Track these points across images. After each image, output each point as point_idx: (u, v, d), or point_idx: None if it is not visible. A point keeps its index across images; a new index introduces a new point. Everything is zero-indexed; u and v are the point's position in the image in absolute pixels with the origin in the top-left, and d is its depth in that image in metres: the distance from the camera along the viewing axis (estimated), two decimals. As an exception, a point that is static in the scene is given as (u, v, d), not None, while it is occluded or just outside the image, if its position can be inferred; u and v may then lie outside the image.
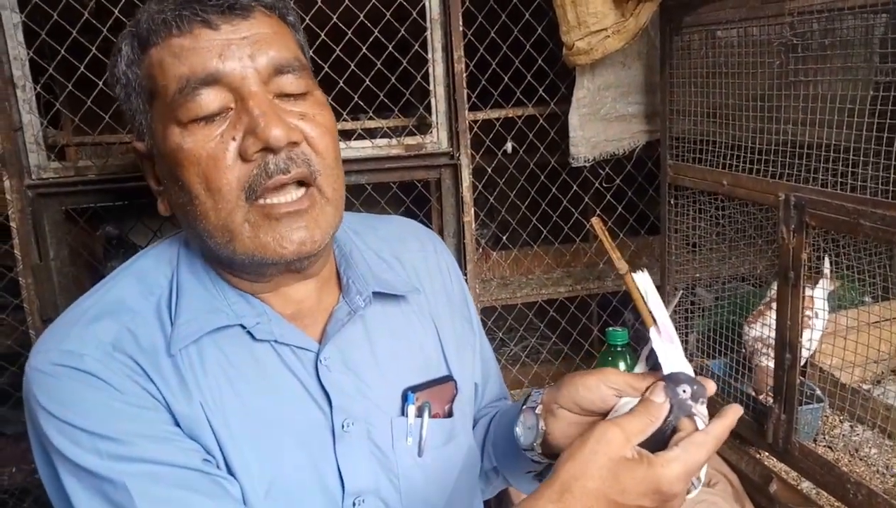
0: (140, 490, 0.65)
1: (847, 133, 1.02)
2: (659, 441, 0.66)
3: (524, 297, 1.74)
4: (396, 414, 0.81)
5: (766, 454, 1.35)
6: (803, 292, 1.12)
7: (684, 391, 0.67)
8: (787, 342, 1.16)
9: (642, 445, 0.65)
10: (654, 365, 0.75)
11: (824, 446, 1.34)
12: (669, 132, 1.43)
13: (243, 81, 0.69)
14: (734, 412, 0.67)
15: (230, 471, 0.71)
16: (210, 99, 0.68)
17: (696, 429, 0.66)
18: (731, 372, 1.43)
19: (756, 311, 1.39)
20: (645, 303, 0.74)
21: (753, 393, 1.35)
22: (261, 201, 0.70)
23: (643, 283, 0.75)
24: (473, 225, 1.52)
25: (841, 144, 1.04)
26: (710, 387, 0.70)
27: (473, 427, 0.95)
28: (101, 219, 1.71)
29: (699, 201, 1.45)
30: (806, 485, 1.27)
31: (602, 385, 0.75)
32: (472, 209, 1.50)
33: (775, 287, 1.40)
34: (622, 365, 1.49)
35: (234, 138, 0.68)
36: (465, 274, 1.54)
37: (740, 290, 1.57)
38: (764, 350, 1.30)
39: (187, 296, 0.75)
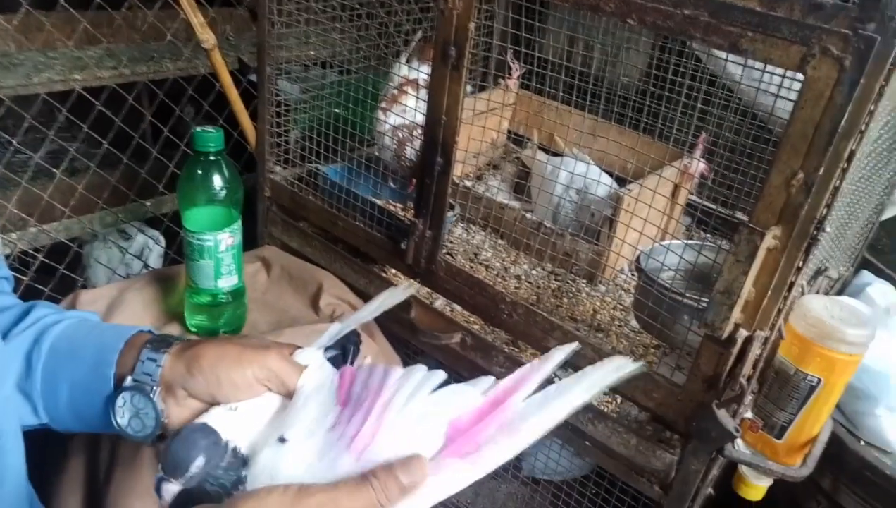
0: None
1: None
2: None
3: (46, 85, 1.25)
4: None
5: (395, 272, 1.17)
6: (466, 77, 0.87)
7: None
8: (440, 141, 0.92)
9: None
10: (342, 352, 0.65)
11: (445, 253, 1.22)
12: None
13: None
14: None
15: None
16: None
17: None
18: (349, 177, 1.17)
19: (390, 96, 1.13)
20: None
21: (378, 202, 1.12)
22: None
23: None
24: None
25: None
26: None
27: None
28: None
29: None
30: (440, 302, 1.13)
31: (255, 381, 0.60)
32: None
33: (400, 69, 1.16)
34: (218, 180, 1.10)
35: None
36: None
37: (352, 77, 1.29)
38: (409, 137, 1.07)
39: None
